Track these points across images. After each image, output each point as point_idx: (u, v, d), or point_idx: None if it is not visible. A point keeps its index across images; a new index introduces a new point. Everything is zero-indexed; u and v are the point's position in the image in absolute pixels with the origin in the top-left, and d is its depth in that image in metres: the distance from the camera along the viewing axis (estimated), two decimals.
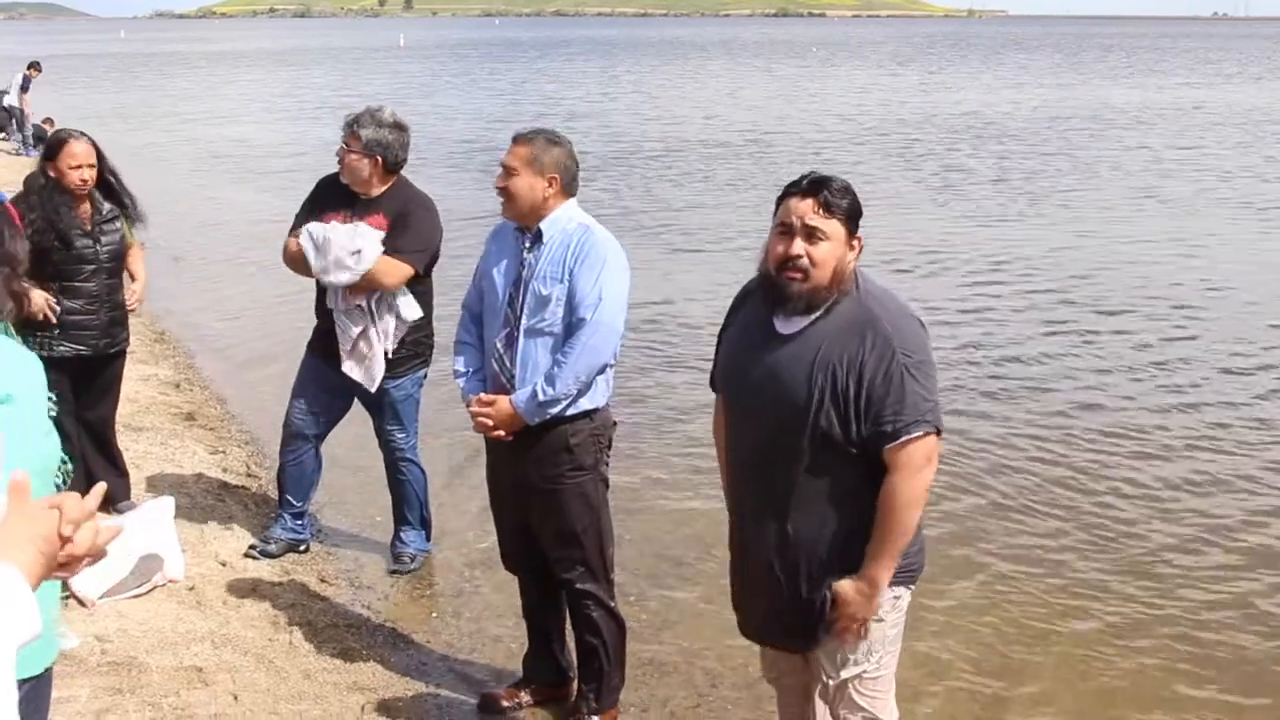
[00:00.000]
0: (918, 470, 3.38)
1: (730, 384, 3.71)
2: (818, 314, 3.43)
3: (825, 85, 49.73)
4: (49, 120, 22.43)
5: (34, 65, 22.51)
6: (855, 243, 3.44)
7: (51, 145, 6.06)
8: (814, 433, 3.40)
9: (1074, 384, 9.59)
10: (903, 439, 3.34)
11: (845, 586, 3.46)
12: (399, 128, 5.84)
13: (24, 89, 22.70)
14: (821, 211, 3.39)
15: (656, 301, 11.86)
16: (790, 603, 3.56)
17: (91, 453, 6.35)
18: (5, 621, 1.64)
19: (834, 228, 3.40)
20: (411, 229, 5.81)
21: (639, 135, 28.67)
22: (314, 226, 5.80)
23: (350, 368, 5.86)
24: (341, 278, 5.71)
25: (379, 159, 5.80)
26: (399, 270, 5.78)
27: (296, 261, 5.91)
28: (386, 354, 5.85)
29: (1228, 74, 59.15)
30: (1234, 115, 34.53)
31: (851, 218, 3.43)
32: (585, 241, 4.48)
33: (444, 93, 44.57)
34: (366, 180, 5.83)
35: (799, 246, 3.39)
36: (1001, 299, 12.43)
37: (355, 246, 5.69)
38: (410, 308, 5.87)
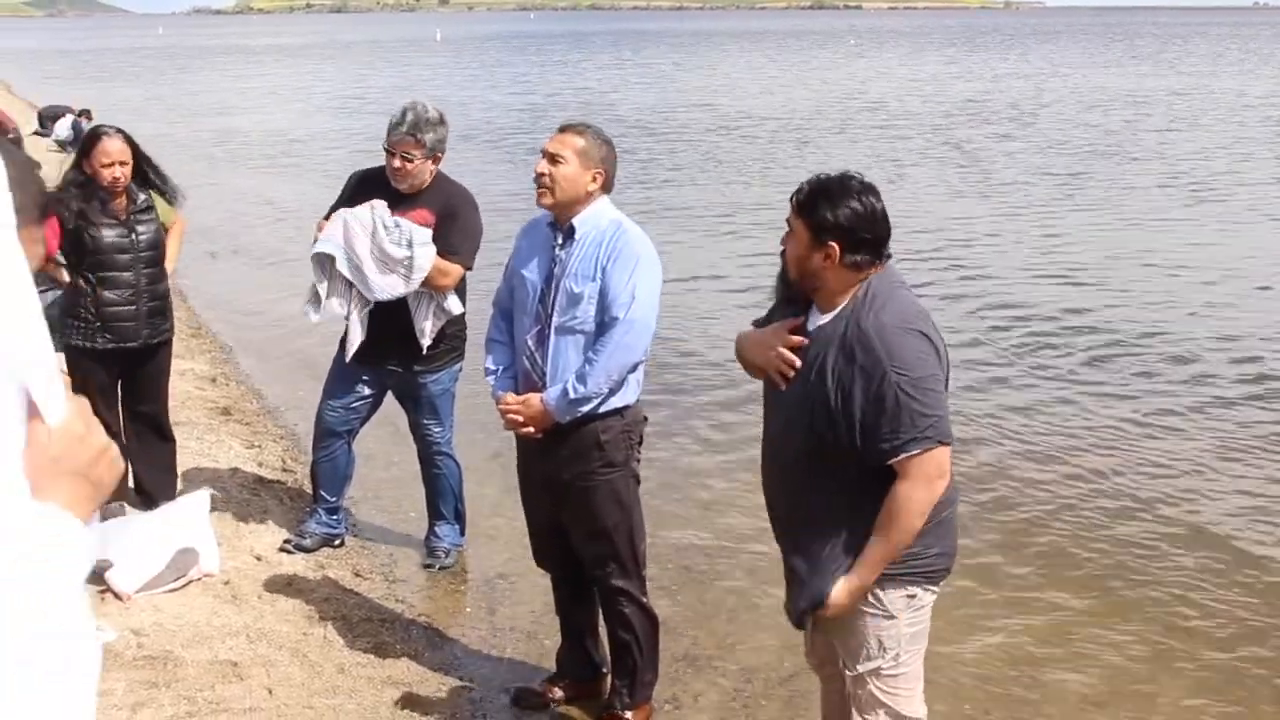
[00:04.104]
0: (929, 482, 3.36)
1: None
2: (830, 315, 3.49)
3: (854, 73, 49.57)
4: (86, 113, 22.52)
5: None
6: (828, 249, 3.41)
7: (86, 142, 6.10)
8: (810, 433, 3.46)
9: (1088, 373, 9.51)
10: (902, 456, 3.33)
11: (838, 581, 3.49)
12: (443, 121, 5.81)
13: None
14: (793, 209, 3.52)
15: (688, 291, 11.84)
16: (794, 584, 3.65)
17: (135, 448, 6.37)
18: (59, 560, 1.40)
19: (798, 226, 3.49)
20: (461, 228, 5.79)
21: (660, 122, 28.63)
22: (331, 246, 5.76)
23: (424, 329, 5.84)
24: (399, 289, 5.69)
25: (438, 157, 5.80)
26: (455, 272, 5.79)
27: None
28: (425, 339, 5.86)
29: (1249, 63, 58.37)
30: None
31: (814, 221, 3.43)
32: (618, 239, 4.44)
33: (479, 84, 44.69)
34: (424, 181, 5.80)
35: (784, 239, 3.59)
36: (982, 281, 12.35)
37: (401, 255, 5.66)
38: (455, 303, 5.89)
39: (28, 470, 1.45)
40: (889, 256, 3.51)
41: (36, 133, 24.25)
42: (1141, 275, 13.14)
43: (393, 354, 5.91)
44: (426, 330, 5.83)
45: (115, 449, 1.55)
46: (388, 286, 5.70)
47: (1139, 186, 19.39)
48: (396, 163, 5.72)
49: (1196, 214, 16.99)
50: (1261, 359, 9.98)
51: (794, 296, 3.62)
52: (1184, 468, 7.66)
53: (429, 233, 5.71)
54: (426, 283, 5.72)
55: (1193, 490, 7.32)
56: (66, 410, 1.49)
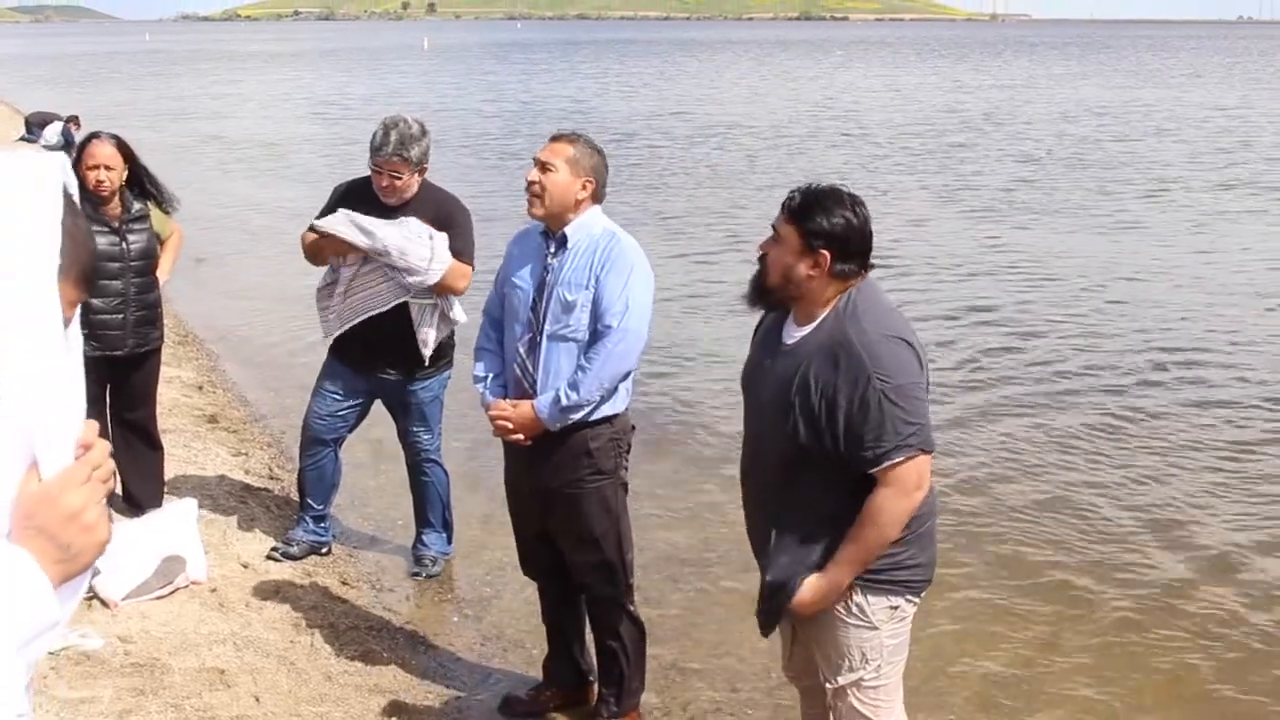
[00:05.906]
0: (907, 492, 3.39)
1: (742, 383, 3.82)
2: (810, 327, 3.50)
3: (839, 83, 49.73)
4: (74, 119, 22.47)
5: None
6: (818, 257, 3.43)
7: (80, 146, 6.12)
8: (792, 445, 3.46)
9: (1071, 380, 9.56)
10: (885, 465, 3.36)
11: (808, 579, 3.51)
12: (425, 132, 5.81)
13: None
14: (784, 215, 3.52)
15: (675, 298, 11.85)
16: (763, 591, 3.66)
17: (123, 456, 6.36)
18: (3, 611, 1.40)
19: (788, 232, 3.49)
20: (460, 232, 5.80)
21: (643, 129, 28.67)
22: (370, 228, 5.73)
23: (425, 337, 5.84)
24: (412, 282, 5.68)
25: (424, 168, 5.80)
26: (467, 274, 5.81)
27: (318, 253, 5.91)
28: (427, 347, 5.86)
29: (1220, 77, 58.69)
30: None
31: (807, 228, 3.44)
32: (612, 248, 4.46)
33: (464, 92, 44.65)
34: (413, 193, 5.78)
35: (764, 244, 3.58)
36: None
37: (425, 250, 5.65)
38: (459, 311, 5.90)
39: (14, 516, 1.45)
40: (872, 267, 3.55)
41: (23, 138, 24.16)
42: (1108, 280, 13.25)
43: (388, 362, 5.91)
44: (429, 340, 5.82)
45: (95, 516, 1.50)
46: (414, 268, 5.68)
47: (1107, 194, 19.56)
48: (385, 182, 5.70)
49: (1162, 220, 17.19)
50: (1189, 363, 10.07)
51: (771, 304, 3.63)
52: (1142, 469, 7.71)
53: (444, 237, 5.72)
54: (443, 287, 5.72)
55: (1159, 485, 7.37)
56: (59, 469, 1.48)
